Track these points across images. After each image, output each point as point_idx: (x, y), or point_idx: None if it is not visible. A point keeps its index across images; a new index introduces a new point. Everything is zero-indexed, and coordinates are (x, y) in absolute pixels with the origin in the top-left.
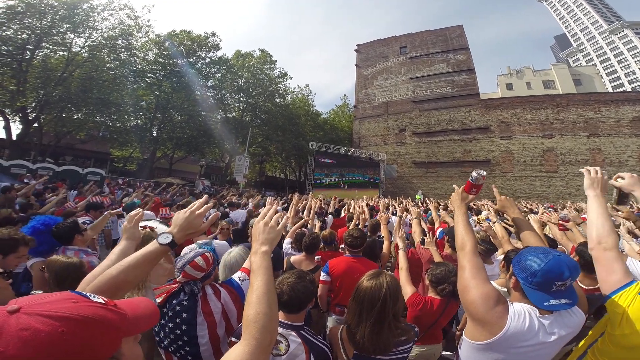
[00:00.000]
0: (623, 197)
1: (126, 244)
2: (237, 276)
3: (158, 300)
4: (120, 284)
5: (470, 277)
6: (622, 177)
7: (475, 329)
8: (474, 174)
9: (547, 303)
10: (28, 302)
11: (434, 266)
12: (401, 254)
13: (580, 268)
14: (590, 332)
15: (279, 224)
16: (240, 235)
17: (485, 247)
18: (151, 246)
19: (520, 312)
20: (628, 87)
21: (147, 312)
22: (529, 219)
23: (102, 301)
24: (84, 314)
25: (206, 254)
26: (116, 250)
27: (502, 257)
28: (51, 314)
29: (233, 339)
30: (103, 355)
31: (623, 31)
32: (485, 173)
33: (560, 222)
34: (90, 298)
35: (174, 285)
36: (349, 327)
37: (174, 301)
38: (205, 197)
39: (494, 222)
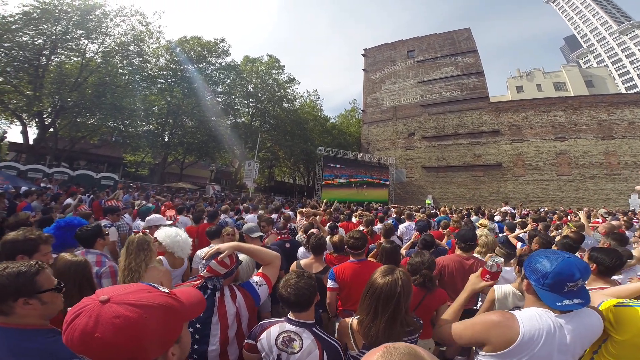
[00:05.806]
0: None
1: None
2: (255, 281)
3: None
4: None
5: (460, 330)
6: None
7: (493, 346)
8: (489, 262)
9: (560, 303)
10: (114, 293)
11: (414, 254)
12: None
13: (599, 273)
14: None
15: None
16: (215, 234)
17: (506, 252)
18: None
19: (532, 315)
20: None
21: (197, 300)
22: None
23: (167, 291)
24: (159, 302)
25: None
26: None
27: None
28: (135, 302)
29: (249, 341)
30: (172, 338)
31: (634, 31)
32: (502, 260)
33: None
34: (159, 288)
35: (197, 282)
36: (361, 322)
37: None
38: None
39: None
